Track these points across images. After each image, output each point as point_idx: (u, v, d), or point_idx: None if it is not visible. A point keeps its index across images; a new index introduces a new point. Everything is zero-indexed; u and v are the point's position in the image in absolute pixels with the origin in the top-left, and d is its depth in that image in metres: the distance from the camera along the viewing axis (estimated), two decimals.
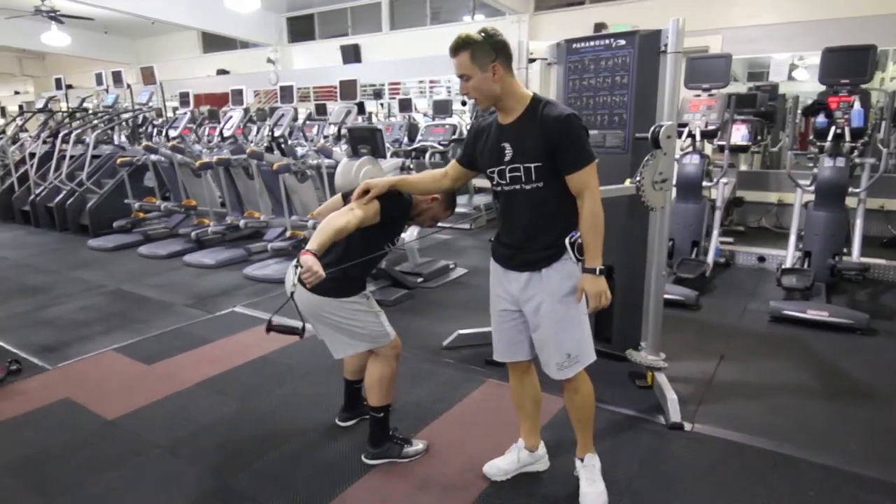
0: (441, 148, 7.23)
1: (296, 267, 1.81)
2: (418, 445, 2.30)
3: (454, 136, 7.29)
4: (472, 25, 9.36)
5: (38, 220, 7.39)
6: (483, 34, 1.74)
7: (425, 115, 8.92)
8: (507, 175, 1.84)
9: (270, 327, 1.90)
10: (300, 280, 1.80)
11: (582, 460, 2.06)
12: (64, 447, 2.41)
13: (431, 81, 9.90)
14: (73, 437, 2.48)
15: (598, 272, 1.80)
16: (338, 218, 1.91)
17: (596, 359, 1.97)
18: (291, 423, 2.57)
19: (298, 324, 1.96)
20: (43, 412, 2.71)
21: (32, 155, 7.77)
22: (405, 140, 7.52)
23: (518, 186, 1.84)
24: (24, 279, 5.10)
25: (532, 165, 1.79)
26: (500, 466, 2.16)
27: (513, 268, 1.92)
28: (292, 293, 1.86)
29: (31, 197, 7.43)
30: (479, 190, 7.89)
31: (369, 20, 10.38)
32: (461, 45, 1.74)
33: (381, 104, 10.26)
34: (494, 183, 1.90)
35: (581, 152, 1.76)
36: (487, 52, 1.73)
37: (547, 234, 1.85)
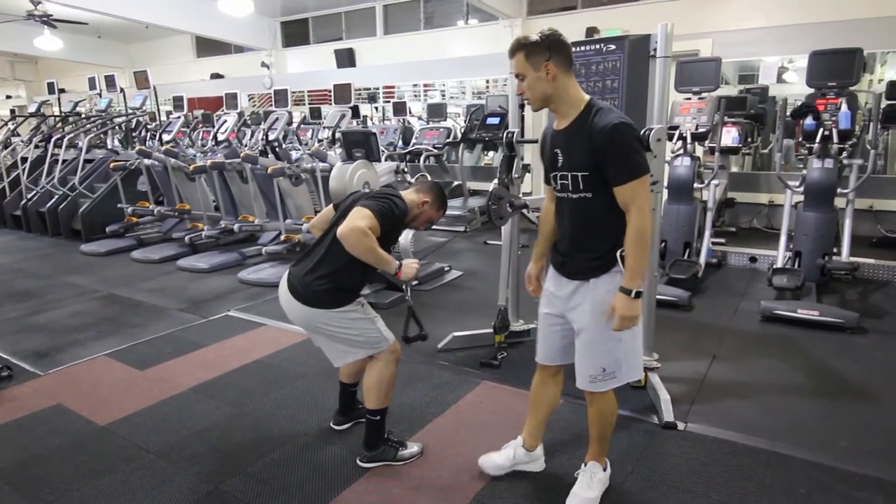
0: (435, 151, 7.25)
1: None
2: (413, 448, 2.30)
3: (448, 139, 7.31)
4: (465, 30, 9.44)
5: (29, 225, 7.35)
6: (540, 34, 1.74)
7: (420, 118, 8.94)
8: (559, 182, 1.84)
9: (407, 339, 2.28)
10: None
11: (585, 465, 2.05)
12: (56, 453, 2.40)
13: (426, 85, 9.92)
14: (65, 443, 2.47)
15: (633, 294, 1.72)
16: (364, 240, 1.98)
17: (638, 378, 1.95)
18: (286, 427, 2.56)
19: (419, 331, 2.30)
20: (35, 418, 2.69)
21: (24, 159, 7.73)
22: (400, 143, 7.54)
23: (566, 195, 1.83)
24: (16, 284, 5.07)
25: (579, 175, 1.76)
26: (496, 461, 2.17)
27: (564, 275, 1.91)
28: (410, 307, 2.31)
29: (23, 202, 7.39)
30: (474, 193, 7.91)
31: (363, 24, 10.38)
32: (518, 47, 1.75)
33: (376, 108, 10.28)
34: (553, 187, 1.91)
35: (626, 164, 1.69)
36: (542, 51, 1.72)
37: (597, 245, 1.81)
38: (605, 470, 2.05)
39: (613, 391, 1.94)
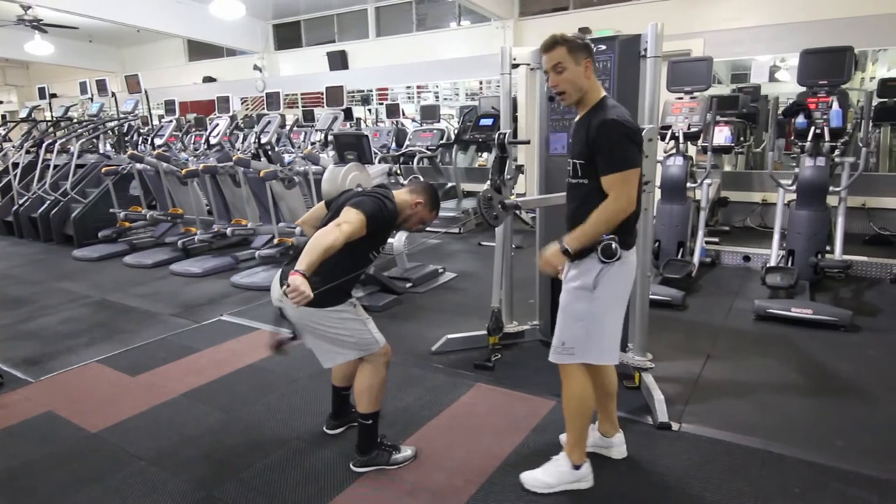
0: (429, 153, 7.24)
1: (283, 284, 1.81)
2: (407, 452, 2.29)
3: (442, 141, 7.31)
4: (457, 31, 9.43)
5: (21, 231, 7.30)
6: (576, 36, 1.89)
7: (413, 120, 8.94)
8: (567, 167, 2.00)
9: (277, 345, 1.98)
10: (286, 294, 1.79)
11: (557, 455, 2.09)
12: (47, 461, 2.37)
13: (419, 87, 9.92)
14: (56, 451, 2.44)
15: (562, 249, 1.89)
16: (326, 236, 1.90)
17: (602, 364, 2.03)
18: (278, 432, 2.55)
19: (289, 332, 1.98)
20: (25, 426, 2.67)
21: (16, 165, 7.69)
22: (393, 145, 7.53)
23: (569, 179, 2.00)
24: (7, 291, 5.03)
25: (577, 162, 1.93)
26: None
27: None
28: (281, 309, 1.86)
29: (15, 207, 7.34)
30: (468, 194, 7.90)
31: (356, 27, 10.37)
32: (558, 41, 1.88)
33: (369, 110, 10.27)
34: None
35: (611, 158, 1.82)
36: (582, 49, 1.88)
37: None
38: (575, 468, 2.05)
39: (585, 379, 2.01)
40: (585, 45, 1.88)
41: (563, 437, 2.34)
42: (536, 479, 2.07)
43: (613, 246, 1.85)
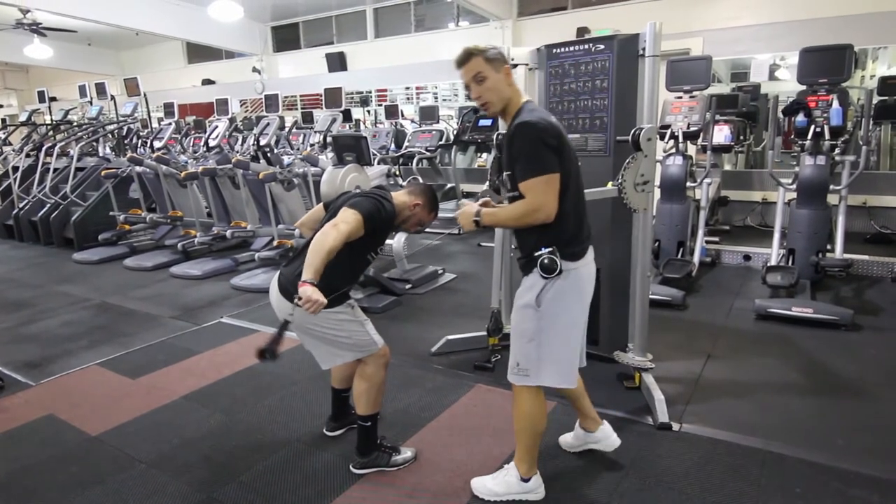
0: (428, 154, 7.24)
1: (297, 298, 1.82)
2: (406, 453, 2.29)
3: (441, 142, 7.31)
4: (456, 32, 9.43)
5: (21, 235, 7.31)
6: (489, 47, 1.82)
7: (412, 121, 8.94)
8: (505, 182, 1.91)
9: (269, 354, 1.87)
10: (299, 305, 1.81)
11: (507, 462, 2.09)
12: (47, 464, 2.37)
13: (418, 88, 9.92)
14: (56, 454, 2.44)
15: (476, 221, 1.88)
16: (326, 238, 1.89)
17: (559, 386, 1.95)
18: (278, 434, 2.55)
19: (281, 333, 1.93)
20: (26, 429, 2.67)
21: (16, 168, 7.69)
22: (392, 146, 7.53)
23: (507, 193, 1.91)
24: (7, 294, 5.03)
25: (506, 174, 1.86)
26: (567, 440, 2.30)
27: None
28: (286, 322, 1.86)
29: (15, 211, 7.35)
30: (468, 195, 7.90)
31: (354, 28, 10.38)
32: (472, 52, 1.80)
33: (368, 111, 10.27)
34: None
35: (524, 163, 1.73)
36: (499, 57, 1.82)
37: (525, 245, 1.89)
38: (524, 480, 2.00)
39: (534, 401, 1.96)
40: (501, 55, 1.82)
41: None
42: (485, 486, 2.05)
43: (554, 260, 1.77)
